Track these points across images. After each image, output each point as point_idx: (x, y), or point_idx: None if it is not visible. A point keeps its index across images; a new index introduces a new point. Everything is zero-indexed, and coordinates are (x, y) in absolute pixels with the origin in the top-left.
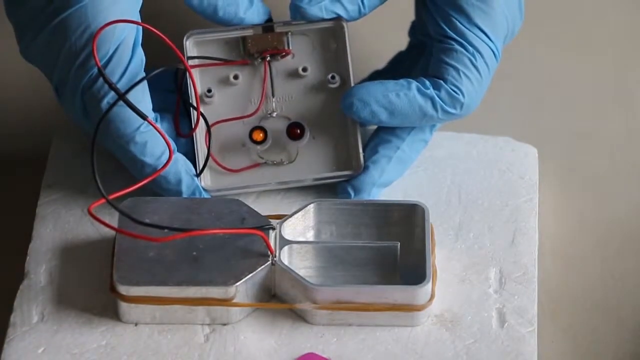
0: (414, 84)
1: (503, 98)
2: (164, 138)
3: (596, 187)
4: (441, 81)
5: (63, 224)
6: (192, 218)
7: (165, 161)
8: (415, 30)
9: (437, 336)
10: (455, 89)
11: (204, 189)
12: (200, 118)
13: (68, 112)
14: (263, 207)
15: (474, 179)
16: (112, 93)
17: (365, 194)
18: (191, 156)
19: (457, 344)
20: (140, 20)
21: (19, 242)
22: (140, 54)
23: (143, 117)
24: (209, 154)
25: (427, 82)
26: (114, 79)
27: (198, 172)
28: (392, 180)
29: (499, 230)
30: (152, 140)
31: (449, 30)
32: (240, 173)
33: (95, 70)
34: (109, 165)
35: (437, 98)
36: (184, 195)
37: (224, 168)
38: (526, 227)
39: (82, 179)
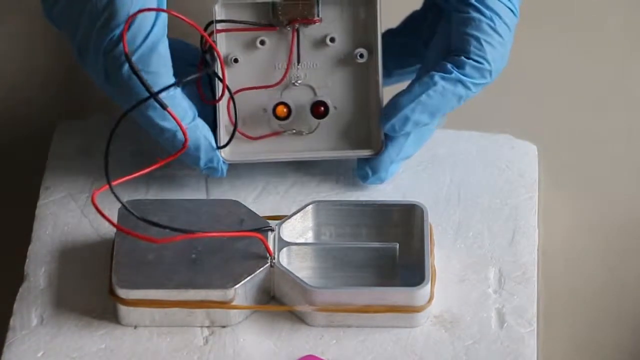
0: (437, 76)
1: (503, 95)
2: (176, 121)
3: (596, 185)
4: (463, 57)
5: (62, 225)
6: (191, 219)
7: (185, 126)
8: None
9: (437, 337)
10: (480, 59)
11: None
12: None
13: (91, 74)
14: (262, 207)
15: (473, 177)
16: (134, 58)
17: (383, 172)
18: (210, 125)
19: (457, 344)
20: None
21: (19, 244)
22: (163, 17)
23: (164, 106)
24: (235, 129)
25: (449, 66)
26: (136, 42)
27: (220, 144)
28: (410, 155)
29: (499, 229)
30: (172, 106)
31: None
32: (259, 143)
33: (117, 32)
34: (111, 166)
35: (463, 77)
36: (202, 162)
37: (243, 135)
38: (526, 225)
39: (81, 181)
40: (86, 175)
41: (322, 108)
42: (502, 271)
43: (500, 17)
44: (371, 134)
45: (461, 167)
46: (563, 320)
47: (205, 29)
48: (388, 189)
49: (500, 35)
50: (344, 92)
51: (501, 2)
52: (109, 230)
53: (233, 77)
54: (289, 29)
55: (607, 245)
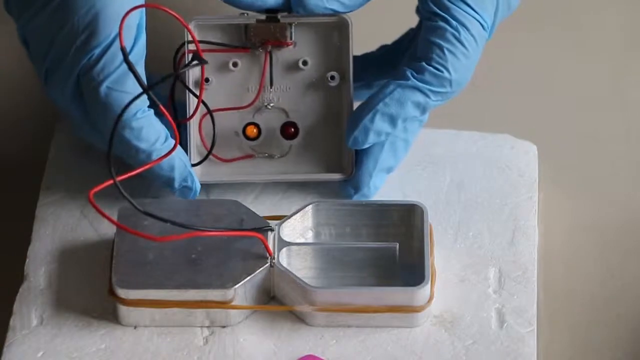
0: (393, 84)
1: (503, 95)
2: (172, 125)
3: (596, 185)
4: (424, 63)
5: (62, 226)
6: (190, 220)
7: (159, 147)
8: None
9: (437, 337)
10: (440, 67)
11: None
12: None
13: (54, 95)
14: (262, 207)
15: (473, 177)
16: (112, 78)
17: (365, 188)
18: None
19: (457, 344)
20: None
21: (19, 244)
22: (143, 39)
23: (156, 104)
24: (212, 147)
25: (407, 72)
26: (115, 62)
27: (194, 162)
28: (391, 166)
29: (498, 229)
30: (147, 126)
31: (432, 6)
32: (232, 164)
33: (96, 52)
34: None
35: (420, 84)
36: (176, 182)
37: (216, 157)
38: (526, 225)
39: (81, 181)
40: (86, 175)
41: (292, 129)
42: (502, 271)
43: (466, 28)
44: (343, 157)
45: (461, 167)
46: (563, 320)
47: (177, 51)
48: (388, 189)
49: (464, 46)
50: (316, 116)
51: (469, 14)
52: (109, 230)
53: (206, 98)
54: (261, 51)
55: (606, 245)
